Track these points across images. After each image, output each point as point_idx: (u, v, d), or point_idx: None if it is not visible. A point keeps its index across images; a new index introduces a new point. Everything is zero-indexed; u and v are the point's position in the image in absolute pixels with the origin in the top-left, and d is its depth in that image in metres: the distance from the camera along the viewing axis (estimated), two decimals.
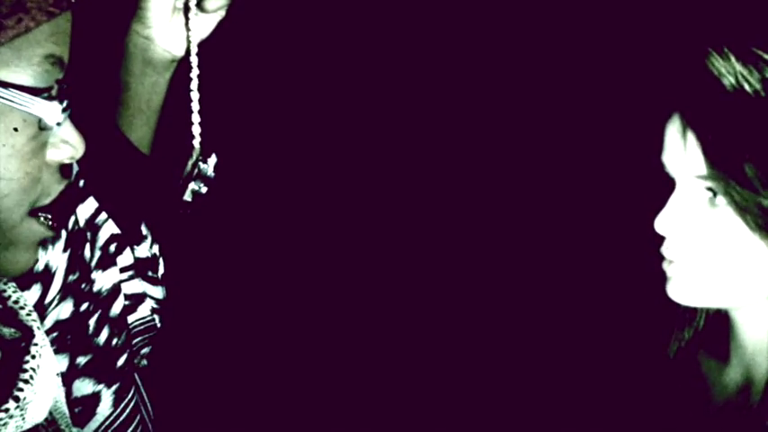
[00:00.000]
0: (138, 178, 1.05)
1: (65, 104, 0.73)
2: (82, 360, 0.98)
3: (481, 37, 2.02)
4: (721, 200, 0.87)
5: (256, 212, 2.03)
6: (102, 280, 1.01)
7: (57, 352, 0.94)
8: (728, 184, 0.86)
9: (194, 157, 1.00)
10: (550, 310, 1.92)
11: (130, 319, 1.06)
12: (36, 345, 0.78)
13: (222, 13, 1.01)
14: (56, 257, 0.95)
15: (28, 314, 0.82)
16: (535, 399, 1.70)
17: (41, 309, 0.92)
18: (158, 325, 1.09)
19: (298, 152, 2.06)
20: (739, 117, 0.84)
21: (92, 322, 0.99)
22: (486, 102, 2.04)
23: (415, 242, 2.10)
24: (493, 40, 2.02)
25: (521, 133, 2.05)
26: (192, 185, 1.00)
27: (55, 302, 0.95)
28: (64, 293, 0.96)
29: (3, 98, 0.69)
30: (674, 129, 0.90)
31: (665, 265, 0.95)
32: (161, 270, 1.10)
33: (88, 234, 1.00)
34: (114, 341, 1.02)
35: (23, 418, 0.75)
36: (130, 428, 1.03)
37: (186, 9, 0.99)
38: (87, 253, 1.00)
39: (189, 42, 1.00)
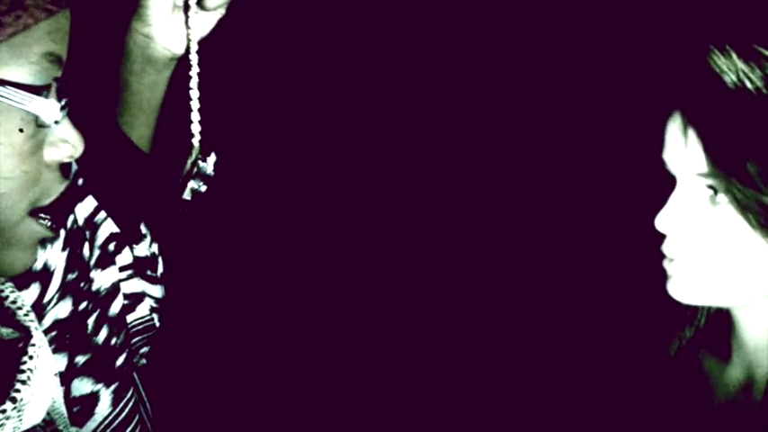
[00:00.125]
0: (137, 177, 1.05)
1: (63, 102, 0.73)
2: (81, 359, 0.98)
3: (481, 34, 2.02)
4: (722, 198, 0.87)
5: (256, 211, 2.02)
6: (101, 279, 1.01)
7: (55, 351, 0.94)
8: (730, 181, 0.85)
9: (194, 156, 1.00)
10: (551, 308, 1.92)
11: (129, 318, 1.06)
12: (33, 345, 0.78)
13: (222, 12, 1.01)
14: (54, 256, 0.94)
15: (26, 314, 0.82)
16: (536, 398, 1.70)
17: (40, 308, 0.92)
18: (157, 324, 1.09)
19: (297, 151, 2.06)
20: (741, 114, 0.84)
21: (90, 321, 0.99)
22: (487, 98, 2.04)
23: (415, 241, 2.09)
24: (494, 36, 2.01)
25: (521, 132, 2.04)
26: (192, 184, 1.00)
27: (54, 301, 0.94)
28: (63, 292, 0.95)
29: (0, 96, 0.68)
30: (675, 126, 0.90)
31: (666, 264, 0.94)
32: (160, 269, 1.09)
33: (87, 233, 1.00)
34: (113, 340, 1.01)
35: (21, 420, 0.74)
36: (129, 428, 1.02)
37: (186, 7, 0.99)
38: (86, 252, 0.99)
39: (189, 40, 1.00)
